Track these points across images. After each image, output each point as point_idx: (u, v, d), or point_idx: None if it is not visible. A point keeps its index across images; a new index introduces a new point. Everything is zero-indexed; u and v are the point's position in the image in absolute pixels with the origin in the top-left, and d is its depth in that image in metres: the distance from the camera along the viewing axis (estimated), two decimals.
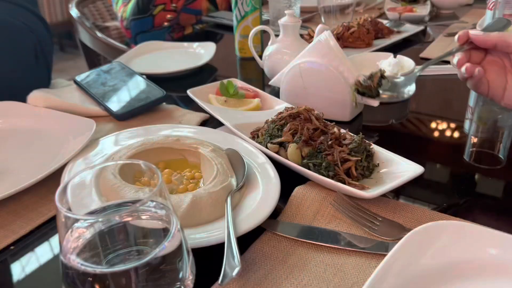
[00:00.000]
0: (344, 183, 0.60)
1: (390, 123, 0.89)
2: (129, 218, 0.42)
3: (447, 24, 1.45)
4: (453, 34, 1.02)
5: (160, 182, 0.40)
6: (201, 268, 0.46)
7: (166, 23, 1.71)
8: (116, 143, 0.73)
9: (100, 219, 0.41)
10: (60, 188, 0.38)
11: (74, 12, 1.85)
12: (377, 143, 0.67)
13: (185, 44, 1.27)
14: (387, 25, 1.35)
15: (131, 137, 0.74)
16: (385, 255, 0.50)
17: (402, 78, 0.76)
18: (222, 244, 0.49)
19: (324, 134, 0.65)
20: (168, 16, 1.69)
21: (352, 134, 0.66)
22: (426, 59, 1.13)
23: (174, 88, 1.05)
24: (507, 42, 0.63)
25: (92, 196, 0.58)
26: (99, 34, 1.63)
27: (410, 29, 1.34)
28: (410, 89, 0.74)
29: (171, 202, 0.42)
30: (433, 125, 0.88)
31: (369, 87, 0.71)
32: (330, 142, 0.63)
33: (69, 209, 0.38)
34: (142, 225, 0.43)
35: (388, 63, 0.93)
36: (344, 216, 0.58)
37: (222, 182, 0.59)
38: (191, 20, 1.75)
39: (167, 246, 0.39)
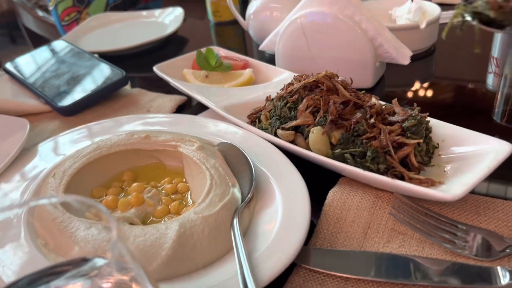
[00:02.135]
0: (402, 178, 0.40)
1: (416, 85, 0.70)
2: None
3: None
4: None
5: (113, 237, 0.20)
6: None
7: None
8: (61, 150, 0.51)
9: None
10: None
11: None
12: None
13: (144, 13, 1.03)
14: None
15: (80, 139, 0.53)
16: None
17: None
18: None
19: (360, 109, 0.45)
20: None
21: (403, 107, 0.46)
22: (446, 4, 0.93)
23: (137, 67, 0.82)
24: None
25: (20, 241, 0.38)
26: (40, 13, 1.36)
27: None
28: None
29: (131, 250, 0.22)
30: (464, 81, 0.69)
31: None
32: (372, 120, 0.43)
33: None
34: None
35: (407, 10, 0.73)
36: (409, 229, 0.38)
37: (222, 197, 0.39)
38: None
39: None
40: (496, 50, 0.69)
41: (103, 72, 0.72)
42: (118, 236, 0.21)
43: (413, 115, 0.43)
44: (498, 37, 0.83)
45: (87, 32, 0.97)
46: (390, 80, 0.69)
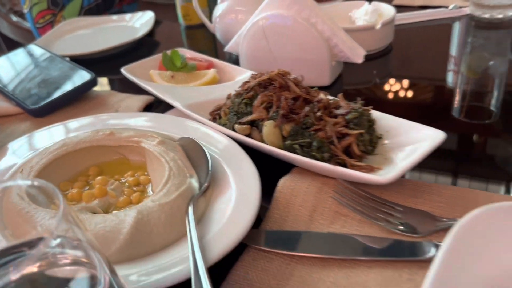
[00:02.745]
0: (345, 166, 0.44)
1: (373, 82, 0.74)
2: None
3: None
4: None
5: (61, 209, 0.23)
6: None
7: None
8: (29, 148, 0.54)
9: None
10: None
11: None
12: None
13: (114, 17, 1.05)
14: None
15: (49, 137, 0.55)
16: (421, 261, 0.35)
17: None
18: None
19: (309, 104, 0.48)
20: None
21: (347, 101, 0.49)
22: (404, 6, 0.98)
23: (108, 70, 0.85)
24: None
25: None
26: (15, 19, 1.37)
27: None
28: None
29: (87, 235, 0.25)
30: (420, 79, 0.74)
31: None
32: (319, 114, 0.46)
33: None
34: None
35: (365, 12, 0.77)
36: (351, 211, 0.42)
37: (179, 187, 0.42)
38: None
39: None
40: (454, 49, 0.74)
41: (73, 75, 0.74)
42: (66, 210, 0.23)
43: (356, 108, 0.46)
44: (455, 36, 0.88)
45: (59, 37, 0.99)
46: (348, 79, 0.73)
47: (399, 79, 0.74)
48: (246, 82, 0.53)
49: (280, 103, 0.48)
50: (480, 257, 0.33)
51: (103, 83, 0.82)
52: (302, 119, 0.47)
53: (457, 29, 0.89)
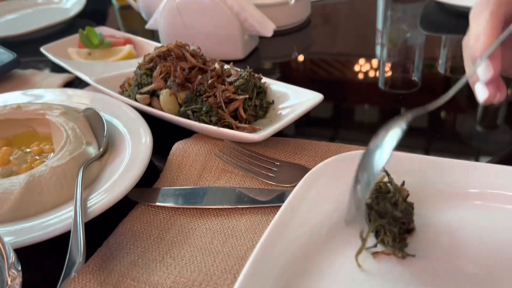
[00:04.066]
0: (231, 128, 0.48)
1: (292, 57, 0.78)
2: None
3: None
4: None
5: None
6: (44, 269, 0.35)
7: None
8: None
9: None
10: None
11: None
12: (279, 80, 0.56)
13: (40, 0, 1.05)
14: None
15: None
16: None
17: None
18: None
19: (204, 74, 0.52)
20: None
21: (238, 69, 0.53)
22: None
23: (35, 51, 0.85)
24: None
25: None
26: None
27: None
28: None
29: None
30: (343, 54, 0.79)
31: None
32: (210, 81, 0.50)
33: None
34: None
35: None
36: (235, 168, 0.46)
37: (72, 152, 0.45)
38: None
39: None
40: (379, 23, 0.78)
41: None
42: None
43: (243, 76, 0.50)
44: (380, 11, 0.93)
45: None
46: (265, 53, 0.77)
47: (316, 53, 0.78)
48: (147, 54, 0.56)
49: (177, 72, 0.51)
50: (325, 196, 0.38)
51: (29, 65, 0.83)
52: (196, 87, 0.50)
53: (375, 4, 0.94)
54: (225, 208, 0.42)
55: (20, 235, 0.37)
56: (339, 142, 0.48)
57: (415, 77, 0.66)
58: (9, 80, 0.73)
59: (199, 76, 0.51)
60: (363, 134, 0.54)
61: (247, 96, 0.49)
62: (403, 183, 0.37)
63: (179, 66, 0.52)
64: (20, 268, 0.33)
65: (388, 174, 0.37)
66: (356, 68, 0.72)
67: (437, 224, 0.36)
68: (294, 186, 0.43)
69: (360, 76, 0.70)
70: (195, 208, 0.42)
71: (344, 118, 0.59)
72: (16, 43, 0.85)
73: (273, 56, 0.77)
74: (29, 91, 0.61)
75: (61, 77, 0.70)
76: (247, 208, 0.42)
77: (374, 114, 0.61)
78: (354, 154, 0.40)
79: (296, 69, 0.75)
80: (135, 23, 1.00)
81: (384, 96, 0.62)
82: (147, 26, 0.76)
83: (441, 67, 0.68)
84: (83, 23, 0.98)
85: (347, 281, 0.33)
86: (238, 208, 0.42)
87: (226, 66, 0.55)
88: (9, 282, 0.32)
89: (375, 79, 0.67)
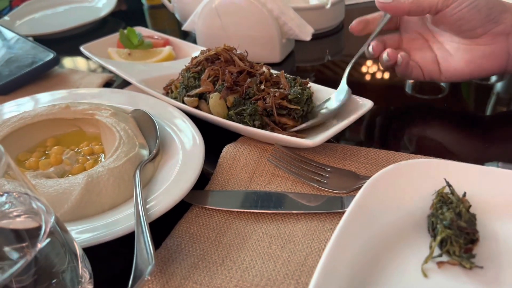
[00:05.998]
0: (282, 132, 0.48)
1: (325, 60, 0.78)
2: None
3: None
4: None
5: (2, 162, 0.26)
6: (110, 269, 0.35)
7: None
8: None
9: None
10: None
11: None
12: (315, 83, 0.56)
13: None
14: None
15: (9, 112, 0.58)
16: (341, 213, 0.40)
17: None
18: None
19: (252, 77, 0.52)
20: None
21: (287, 75, 0.54)
22: None
23: (72, 49, 0.86)
24: (421, 5, 0.52)
25: None
26: None
27: None
28: None
29: (35, 192, 0.29)
30: (376, 58, 0.78)
31: None
32: (262, 87, 0.50)
33: None
34: None
35: None
36: (286, 173, 0.47)
37: (128, 153, 0.45)
38: None
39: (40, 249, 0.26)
40: None
41: (36, 54, 0.76)
42: (7, 163, 0.27)
43: (297, 90, 0.50)
44: None
45: (22, 17, 1.00)
46: (300, 56, 0.77)
47: (350, 56, 0.78)
48: (195, 57, 0.56)
49: (225, 76, 0.52)
50: (386, 206, 0.38)
51: (66, 62, 0.84)
52: (245, 90, 0.51)
53: None
54: (279, 213, 0.42)
55: (84, 235, 0.37)
56: (380, 148, 0.49)
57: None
58: (48, 78, 0.74)
59: (248, 80, 0.51)
60: (407, 142, 0.54)
61: (298, 107, 0.49)
62: (464, 194, 0.38)
63: (227, 70, 0.52)
64: (90, 267, 0.34)
65: (449, 185, 0.38)
66: (391, 72, 0.72)
67: (500, 235, 0.36)
68: (348, 192, 0.44)
69: (394, 79, 0.70)
70: (249, 212, 0.43)
71: (386, 124, 0.59)
72: (51, 41, 0.86)
73: (308, 59, 0.77)
74: (73, 92, 0.61)
75: (101, 76, 0.71)
76: (302, 213, 0.42)
77: (407, 120, 0.61)
78: (415, 162, 0.40)
79: (332, 72, 0.75)
80: (163, 23, 1.00)
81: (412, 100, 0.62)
82: (184, 27, 0.77)
83: None
84: (113, 23, 0.99)
85: None
86: (293, 213, 0.42)
87: (273, 71, 0.55)
88: (82, 280, 0.32)
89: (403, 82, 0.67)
